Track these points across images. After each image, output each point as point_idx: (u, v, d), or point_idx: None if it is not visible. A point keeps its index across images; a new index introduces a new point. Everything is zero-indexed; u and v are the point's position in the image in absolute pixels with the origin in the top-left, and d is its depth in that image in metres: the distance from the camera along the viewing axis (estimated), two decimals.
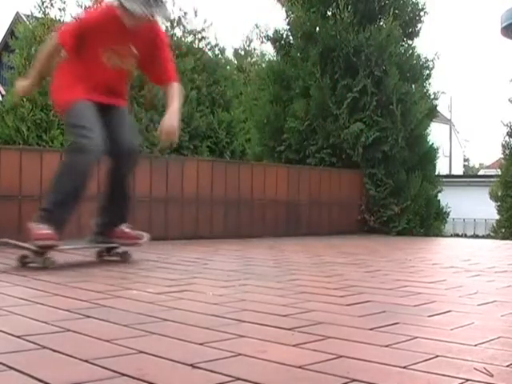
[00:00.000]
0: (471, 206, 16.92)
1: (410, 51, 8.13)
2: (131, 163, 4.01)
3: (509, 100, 9.37)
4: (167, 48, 4.06)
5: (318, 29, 8.00)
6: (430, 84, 8.24)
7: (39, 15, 7.82)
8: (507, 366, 1.61)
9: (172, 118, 3.94)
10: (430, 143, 8.20)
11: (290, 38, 8.44)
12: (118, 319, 2.14)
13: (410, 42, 8.36)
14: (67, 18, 7.99)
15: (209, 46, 9.73)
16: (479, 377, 1.51)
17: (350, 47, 7.70)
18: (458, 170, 47.22)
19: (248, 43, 11.71)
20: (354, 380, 1.48)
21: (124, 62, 3.88)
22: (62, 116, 4.04)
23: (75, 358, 1.64)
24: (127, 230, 4.07)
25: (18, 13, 21.82)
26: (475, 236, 11.96)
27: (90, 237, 4.08)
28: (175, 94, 4.05)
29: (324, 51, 7.83)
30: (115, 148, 3.80)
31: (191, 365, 1.59)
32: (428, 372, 1.55)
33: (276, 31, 8.46)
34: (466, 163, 61.73)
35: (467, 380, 1.49)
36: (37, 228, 3.53)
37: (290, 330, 2.03)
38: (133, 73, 4.23)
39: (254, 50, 11.77)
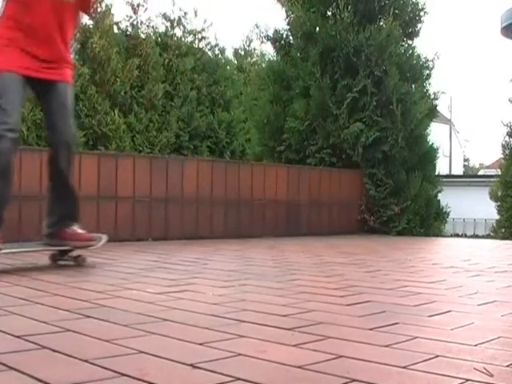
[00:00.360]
0: (471, 206, 16.92)
1: (410, 51, 8.13)
2: (69, 156, 3.74)
3: (509, 100, 9.37)
4: None
5: (318, 29, 8.00)
6: (429, 84, 8.25)
7: None
8: (507, 366, 1.61)
9: None
10: (430, 143, 8.20)
11: (290, 37, 8.45)
12: (118, 319, 2.14)
13: (409, 42, 8.36)
14: None
15: (209, 46, 9.74)
16: (479, 377, 1.51)
17: (350, 47, 7.70)
18: (458, 170, 47.22)
19: (248, 43, 11.71)
20: (353, 380, 1.48)
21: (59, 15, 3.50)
22: None
23: (75, 358, 1.64)
24: (80, 230, 3.80)
25: None
26: (475, 236, 11.95)
27: (43, 239, 3.82)
28: None
29: (324, 51, 7.83)
30: (53, 138, 3.68)
31: (191, 365, 1.59)
32: (428, 372, 1.55)
33: (276, 31, 8.47)
34: (466, 163, 61.73)
35: (467, 380, 1.48)
36: None
37: (289, 330, 2.03)
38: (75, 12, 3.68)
39: (254, 50, 11.77)
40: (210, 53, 9.74)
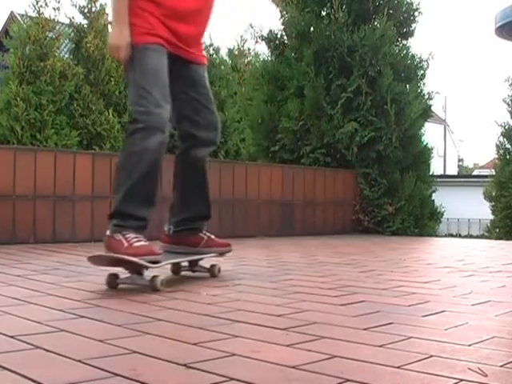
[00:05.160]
0: (465, 205, 16.95)
1: (405, 51, 8.14)
2: (211, 145, 3.37)
3: (503, 100, 9.38)
4: None
5: (312, 29, 8.00)
6: (424, 84, 8.24)
7: (33, 15, 7.80)
8: (501, 366, 1.61)
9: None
10: (425, 143, 8.21)
11: (285, 37, 8.45)
12: (112, 319, 2.14)
13: (404, 41, 8.37)
14: (61, 18, 7.99)
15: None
16: (473, 377, 1.51)
17: (345, 47, 7.71)
18: (453, 170, 47.34)
19: (242, 43, 11.70)
20: (347, 380, 1.48)
21: None
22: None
23: (69, 358, 1.64)
24: (212, 236, 3.39)
25: (12, 12, 21.76)
26: (469, 236, 11.96)
27: (164, 247, 3.35)
28: None
29: (318, 51, 7.83)
30: (193, 127, 3.27)
31: (185, 365, 1.59)
32: (422, 372, 1.55)
33: (270, 31, 8.47)
34: (461, 163, 61.86)
35: (461, 380, 1.48)
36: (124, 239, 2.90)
37: (284, 330, 2.02)
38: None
39: (249, 49, 11.77)
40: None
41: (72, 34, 8.15)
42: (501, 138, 9.10)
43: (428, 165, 8.27)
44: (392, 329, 2.06)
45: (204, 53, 3.44)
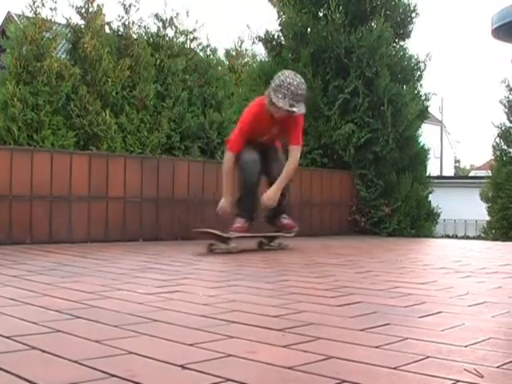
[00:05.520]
0: (462, 207, 16.95)
1: (402, 52, 8.14)
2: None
3: (499, 101, 9.39)
4: (299, 126, 5.21)
5: (309, 30, 8.01)
6: (421, 85, 8.25)
7: (30, 15, 7.78)
8: (498, 367, 1.61)
9: (273, 190, 5.07)
10: (421, 144, 8.21)
11: (282, 38, 8.45)
12: (108, 320, 2.14)
13: (401, 43, 8.37)
14: (58, 18, 7.97)
15: (200, 47, 9.71)
16: (469, 378, 1.51)
17: (342, 48, 7.71)
18: (449, 171, 47.42)
19: (239, 44, 11.69)
20: (343, 381, 1.48)
21: (272, 136, 5.26)
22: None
23: (64, 358, 1.63)
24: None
25: (9, 12, 21.74)
26: (466, 237, 11.96)
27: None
28: (288, 164, 5.16)
29: (315, 52, 7.84)
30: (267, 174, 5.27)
31: (181, 366, 1.58)
32: (418, 373, 1.55)
33: (267, 32, 8.47)
34: (457, 164, 61.96)
35: (457, 381, 1.48)
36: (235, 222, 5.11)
37: (280, 330, 2.02)
38: (279, 137, 5.44)
39: (246, 50, 11.75)
40: (201, 53, 9.71)
41: (69, 35, 8.13)
42: (497, 140, 9.10)
43: (425, 166, 8.28)
44: (388, 330, 2.06)
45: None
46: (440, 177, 25.95)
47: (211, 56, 9.91)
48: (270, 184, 5.17)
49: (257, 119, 5.11)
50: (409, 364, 1.63)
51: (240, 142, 5.10)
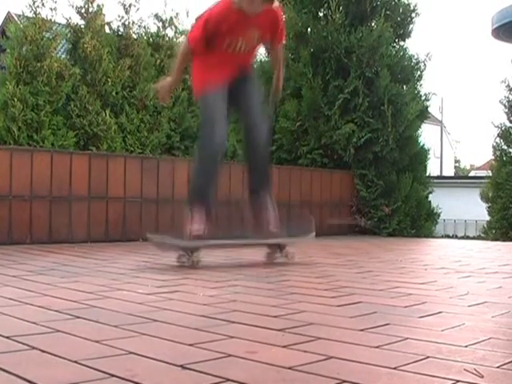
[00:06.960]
0: (462, 207, 16.95)
1: (402, 52, 8.14)
2: (262, 135, 4.31)
3: (500, 101, 9.39)
4: (282, 26, 4.52)
5: (309, 30, 8.00)
6: (421, 85, 8.24)
7: (30, 15, 7.78)
8: (498, 367, 1.61)
9: (278, 79, 4.70)
10: (421, 144, 8.20)
11: None
12: (108, 320, 2.14)
13: (401, 43, 8.37)
14: (58, 18, 7.96)
15: None
16: (469, 378, 1.51)
17: (342, 48, 7.71)
18: (449, 171, 47.41)
19: None
20: (343, 381, 1.48)
21: (249, 43, 4.16)
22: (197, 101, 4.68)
23: (64, 358, 1.63)
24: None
25: (9, 12, 21.74)
26: (466, 237, 11.97)
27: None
28: (278, 59, 4.73)
29: (315, 52, 7.84)
30: (246, 120, 4.28)
31: (181, 366, 1.58)
32: (418, 373, 1.55)
33: None
34: (457, 164, 61.97)
35: (457, 381, 1.48)
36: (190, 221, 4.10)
37: (280, 330, 2.02)
38: (257, 45, 4.46)
39: None
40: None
41: (69, 35, 8.12)
42: (497, 140, 9.10)
43: (424, 166, 8.27)
44: (388, 330, 2.06)
45: None
46: (440, 177, 25.95)
47: None
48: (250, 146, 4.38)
49: (225, 17, 3.96)
50: (409, 364, 1.63)
51: (202, 36, 4.00)
